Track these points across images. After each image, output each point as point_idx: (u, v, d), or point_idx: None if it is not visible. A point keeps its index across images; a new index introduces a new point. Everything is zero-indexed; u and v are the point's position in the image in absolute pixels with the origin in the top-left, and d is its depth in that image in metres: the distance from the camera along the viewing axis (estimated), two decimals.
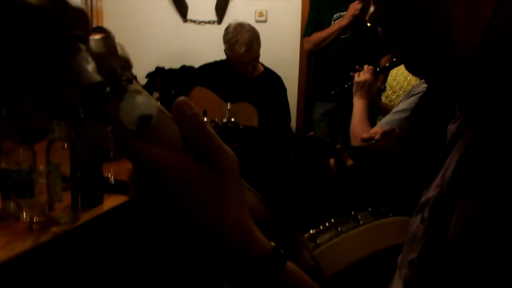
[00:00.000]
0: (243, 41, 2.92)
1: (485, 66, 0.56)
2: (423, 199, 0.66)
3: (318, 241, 0.90)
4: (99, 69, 0.34)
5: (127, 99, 0.38)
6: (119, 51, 0.38)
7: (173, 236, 0.44)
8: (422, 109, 1.48)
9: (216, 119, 1.26)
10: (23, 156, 1.31)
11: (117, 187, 1.53)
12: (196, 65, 3.40)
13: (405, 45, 0.59)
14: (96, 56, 0.34)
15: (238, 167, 0.46)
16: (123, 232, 1.43)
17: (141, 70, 3.48)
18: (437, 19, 0.54)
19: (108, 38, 0.37)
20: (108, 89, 0.35)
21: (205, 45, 3.88)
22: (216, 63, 3.25)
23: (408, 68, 0.61)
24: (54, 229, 1.22)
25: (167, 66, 3.45)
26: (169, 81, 3.17)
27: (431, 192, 0.63)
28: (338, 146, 1.41)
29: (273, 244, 0.49)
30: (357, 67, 2.20)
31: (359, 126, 2.06)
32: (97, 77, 0.33)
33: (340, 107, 3.11)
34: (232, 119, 1.22)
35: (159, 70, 3.41)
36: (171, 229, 0.44)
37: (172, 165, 0.42)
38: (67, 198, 1.30)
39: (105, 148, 0.37)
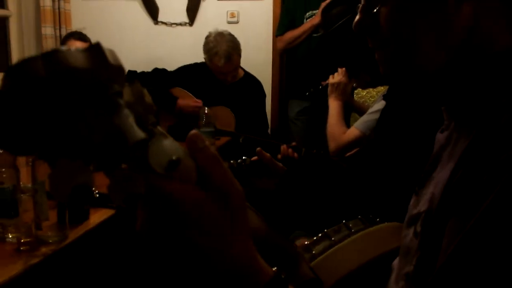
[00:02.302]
0: (222, 53, 2.91)
1: (459, 80, 0.60)
2: (414, 211, 0.68)
3: (313, 252, 0.92)
4: None
5: (155, 144, 0.38)
6: (146, 96, 0.38)
7: (178, 267, 0.45)
8: (386, 123, 1.53)
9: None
10: (6, 175, 1.28)
11: (102, 201, 1.51)
12: (168, 67, 3.37)
13: (381, 54, 0.65)
14: (128, 105, 0.35)
15: (245, 199, 0.48)
16: (112, 246, 1.41)
17: None
18: (406, 40, 0.61)
19: (135, 85, 0.37)
20: None
21: (176, 47, 3.85)
22: (195, 66, 3.23)
23: (384, 74, 0.67)
24: (44, 249, 1.21)
25: (138, 69, 3.41)
26: (144, 85, 3.13)
27: (422, 205, 0.65)
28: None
29: (274, 269, 0.50)
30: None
31: (335, 127, 2.11)
32: (141, 134, 0.33)
33: (315, 106, 3.14)
34: (244, 157, 1.24)
35: (131, 74, 3.37)
36: (178, 260, 0.45)
37: (184, 195, 0.43)
38: (52, 216, 1.28)
39: (137, 193, 0.37)
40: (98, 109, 0.32)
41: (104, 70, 0.33)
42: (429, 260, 0.58)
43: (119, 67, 0.34)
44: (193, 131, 0.46)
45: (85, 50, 0.33)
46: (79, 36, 3.11)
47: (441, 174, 0.62)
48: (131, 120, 0.34)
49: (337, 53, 1.91)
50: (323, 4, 3.02)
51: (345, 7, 1.69)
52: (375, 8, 0.63)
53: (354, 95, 3.20)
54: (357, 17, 0.66)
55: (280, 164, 1.22)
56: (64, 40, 3.15)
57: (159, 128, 0.40)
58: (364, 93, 4.31)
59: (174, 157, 0.39)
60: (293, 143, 2.29)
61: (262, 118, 3.23)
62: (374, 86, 2.23)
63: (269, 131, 3.45)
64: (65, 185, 0.33)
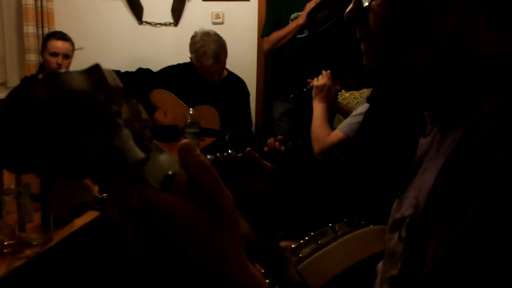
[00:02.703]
0: (210, 53, 2.92)
1: (441, 81, 0.62)
2: (398, 215, 0.69)
3: (300, 255, 0.93)
4: None
5: (151, 159, 0.38)
6: (142, 113, 0.39)
7: (172, 281, 0.45)
8: (370, 125, 1.54)
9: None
10: None
11: None
12: (153, 67, 3.36)
13: (366, 46, 0.68)
14: (125, 122, 0.35)
15: (236, 208, 0.48)
16: (97, 248, 1.41)
17: None
18: (391, 37, 0.63)
19: (131, 101, 0.38)
20: None
21: (161, 48, 3.84)
22: (179, 66, 3.24)
23: (366, 66, 0.69)
24: (28, 251, 1.19)
25: (122, 69, 3.39)
26: (127, 85, 3.12)
27: (406, 210, 0.66)
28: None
29: (268, 281, 0.51)
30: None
31: (319, 129, 2.12)
32: (140, 154, 0.34)
33: (298, 108, 3.16)
34: (229, 151, 1.23)
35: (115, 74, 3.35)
36: (171, 273, 0.45)
37: (177, 208, 0.43)
38: (36, 218, 1.27)
39: (132, 207, 0.38)
40: (97, 130, 0.33)
41: (103, 91, 0.33)
42: (415, 264, 0.58)
43: (118, 87, 0.35)
44: (185, 140, 0.46)
45: (85, 72, 0.34)
46: (60, 35, 3.08)
47: (424, 179, 0.63)
48: (130, 139, 0.35)
49: (323, 56, 1.92)
50: (308, 6, 3.05)
51: (331, 11, 1.70)
52: (367, 1, 0.65)
53: (338, 97, 3.22)
54: (350, 6, 0.68)
55: (269, 164, 1.22)
56: (45, 39, 3.11)
57: (154, 142, 0.40)
58: (348, 95, 4.34)
59: (170, 172, 0.39)
60: (279, 137, 2.30)
61: (246, 117, 3.25)
62: (359, 89, 2.24)
63: (253, 129, 3.46)
64: (65, 204, 0.34)
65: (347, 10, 0.68)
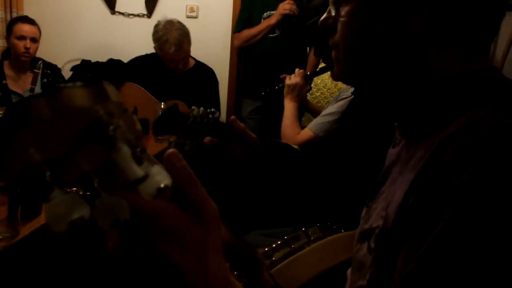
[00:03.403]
0: (172, 41, 2.90)
1: (404, 93, 0.65)
2: (366, 226, 0.71)
3: (273, 258, 0.94)
4: None
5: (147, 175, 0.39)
6: (136, 124, 0.39)
7: (154, 285, 0.46)
8: (352, 115, 1.57)
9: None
10: None
11: None
12: (124, 59, 3.31)
13: (334, 54, 0.71)
14: (122, 136, 0.36)
15: (219, 216, 0.49)
16: (64, 243, 1.38)
17: (64, 62, 3.33)
18: (351, 46, 0.67)
19: (127, 112, 0.38)
20: None
21: (133, 39, 3.77)
22: (147, 57, 3.20)
23: (334, 74, 0.72)
24: None
25: (93, 59, 3.33)
26: (98, 75, 3.07)
27: (374, 221, 0.68)
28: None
29: (241, 284, 0.52)
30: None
31: (289, 128, 2.14)
32: (139, 173, 0.34)
33: (267, 106, 3.18)
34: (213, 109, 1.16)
35: (85, 63, 3.28)
36: (152, 278, 0.46)
37: (163, 213, 0.44)
38: (2, 211, 1.24)
39: (124, 219, 0.38)
40: (97, 144, 0.33)
41: (105, 107, 0.34)
42: (383, 276, 0.61)
43: (119, 102, 0.35)
44: (171, 150, 0.47)
45: (87, 86, 0.34)
46: (27, 19, 2.99)
47: (393, 192, 0.64)
48: (129, 157, 0.35)
49: (315, 44, 1.90)
50: (281, 6, 3.06)
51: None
52: (337, 11, 0.68)
53: (308, 95, 3.25)
54: (324, 15, 0.71)
55: (253, 135, 1.20)
56: (11, 24, 3.02)
57: (147, 153, 0.40)
58: (318, 94, 4.39)
59: (162, 185, 0.39)
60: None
61: (216, 105, 3.22)
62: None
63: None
64: (63, 219, 0.34)
65: (321, 18, 0.71)
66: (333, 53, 0.71)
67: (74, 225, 0.34)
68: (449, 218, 0.48)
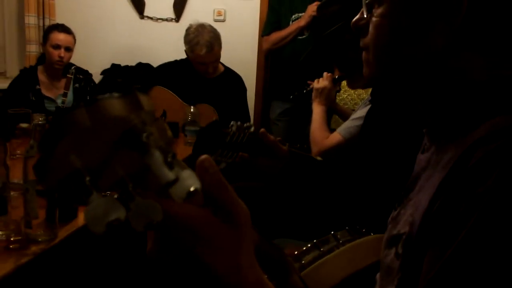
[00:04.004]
0: (204, 43, 2.94)
1: (433, 99, 0.65)
2: (394, 231, 0.71)
3: (303, 261, 0.96)
4: None
5: (178, 178, 0.41)
6: (168, 131, 0.42)
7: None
8: (374, 120, 1.55)
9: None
10: None
11: None
12: (153, 62, 3.37)
13: (364, 56, 0.71)
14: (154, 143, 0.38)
15: (250, 219, 0.51)
16: (101, 245, 1.43)
17: (95, 66, 3.41)
18: (383, 48, 0.67)
19: (159, 120, 0.41)
20: None
21: (162, 43, 3.85)
22: (176, 62, 3.25)
23: (364, 75, 0.73)
24: (34, 248, 1.21)
25: (122, 63, 3.40)
26: (128, 79, 3.14)
27: (402, 227, 0.68)
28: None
29: None
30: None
31: (318, 132, 2.13)
32: (170, 176, 0.37)
33: (296, 108, 3.18)
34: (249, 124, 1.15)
35: (115, 67, 3.36)
36: (187, 279, 0.48)
37: (195, 218, 0.46)
38: (41, 214, 1.29)
39: (157, 220, 0.40)
40: (132, 151, 0.36)
41: (139, 116, 0.36)
42: (410, 282, 0.61)
43: (151, 111, 0.38)
44: (204, 156, 0.49)
45: (123, 97, 0.37)
46: (63, 28, 3.08)
47: (420, 198, 0.65)
48: (161, 161, 0.38)
49: (332, 53, 1.90)
50: (310, 8, 3.07)
51: (343, 5, 1.68)
52: (369, 13, 0.68)
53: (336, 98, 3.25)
54: (357, 16, 0.72)
55: (285, 148, 1.19)
56: (47, 31, 3.11)
57: (177, 159, 0.43)
58: (345, 96, 4.36)
59: (192, 189, 0.41)
60: (278, 138, 2.31)
61: (244, 112, 3.25)
62: (365, 88, 2.24)
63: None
64: (101, 220, 0.36)
65: (353, 20, 0.72)
66: (364, 55, 0.71)
67: (111, 226, 0.37)
68: (474, 224, 0.49)
